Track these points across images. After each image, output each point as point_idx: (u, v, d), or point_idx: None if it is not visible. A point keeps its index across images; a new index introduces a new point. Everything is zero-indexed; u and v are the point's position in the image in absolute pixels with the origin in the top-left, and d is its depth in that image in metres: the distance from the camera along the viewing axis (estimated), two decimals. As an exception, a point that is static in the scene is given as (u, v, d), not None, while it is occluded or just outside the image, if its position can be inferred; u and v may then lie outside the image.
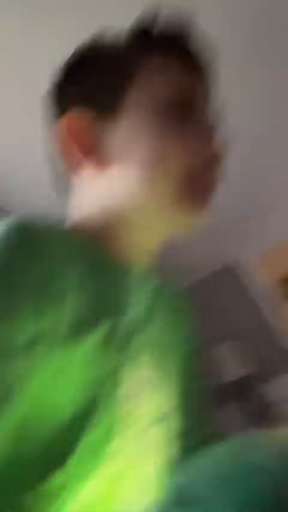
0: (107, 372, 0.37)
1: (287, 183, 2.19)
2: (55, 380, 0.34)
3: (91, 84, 0.46)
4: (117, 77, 0.45)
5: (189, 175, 0.43)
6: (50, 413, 0.33)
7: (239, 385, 2.34)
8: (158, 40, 0.46)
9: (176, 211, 0.44)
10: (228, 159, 0.48)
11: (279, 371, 2.47)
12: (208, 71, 0.49)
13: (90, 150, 0.45)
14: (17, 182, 1.61)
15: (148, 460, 0.40)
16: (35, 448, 0.33)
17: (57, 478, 0.32)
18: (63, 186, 0.50)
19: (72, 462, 0.33)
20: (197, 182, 0.43)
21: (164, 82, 0.44)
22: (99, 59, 0.47)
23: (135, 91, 0.45)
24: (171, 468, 0.41)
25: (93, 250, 0.43)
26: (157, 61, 0.45)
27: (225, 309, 2.78)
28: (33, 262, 0.35)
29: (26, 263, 0.35)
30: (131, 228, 0.45)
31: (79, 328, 0.36)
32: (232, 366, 2.37)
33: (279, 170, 2.07)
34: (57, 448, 0.33)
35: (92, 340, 0.36)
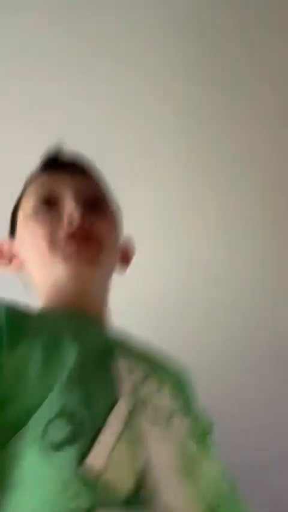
0: None
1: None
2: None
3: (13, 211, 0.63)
4: (15, 206, 0.61)
5: (52, 244, 0.52)
6: None
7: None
8: (43, 166, 0.62)
9: (61, 269, 0.52)
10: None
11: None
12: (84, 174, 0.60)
13: (11, 259, 0.61)
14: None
15: None
16: None
17: None
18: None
19: None
20: (58, 246, 0.52)
21: (31, 193, 0.58)
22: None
23: (20, 212, 0.60)
24: None
25: (71, 314, 0.52)
26: (32, 180, 0.60)
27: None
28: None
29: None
30: (66, 290, 0.54)
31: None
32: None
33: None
34: None
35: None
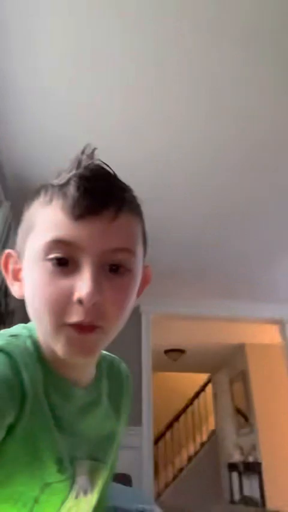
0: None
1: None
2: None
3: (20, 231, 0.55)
4: (26, 224, 0.53)
5: (56, 330, 0.47)
6: None
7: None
8: (71, 203, 0.48)
9: (58, 349, 0.48)
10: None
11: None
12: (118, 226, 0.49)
13: (16, 278, 0.55)
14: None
15: None
16: None
17: None
18: None
19: None
20: (62, 331, 0.47)
21: (45, 229, 0.48)
22: (27, 203, 0.54)
23: (30, 240, 0.51)
24: None
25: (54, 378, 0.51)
26: (48, 211, 0.49)
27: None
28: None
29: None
30: (60, 360, 0.51)
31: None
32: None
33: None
34: None
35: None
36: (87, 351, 0.48)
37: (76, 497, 0.52)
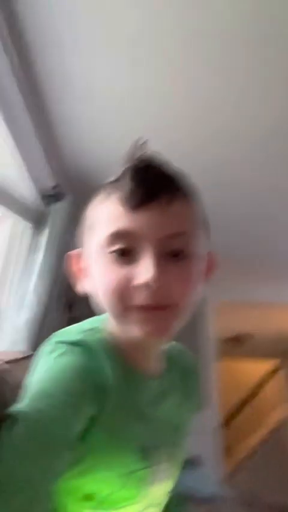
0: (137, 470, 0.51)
1: None
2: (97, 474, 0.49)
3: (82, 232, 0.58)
4: (88, 221, 0.55)
5: (124, 312, 0.48)
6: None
7: None
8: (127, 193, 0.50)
9: (132, 332, 0.50)
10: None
11: None
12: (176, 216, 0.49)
13: (83, 275, 0.57)
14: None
15: None
16: None
17: None
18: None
19: None
20: (131, 313, 0.48)
21: (106, 223, 0.50)
22: (89, 206, 0.57)
23: (93, 237, 0.53)
24: None
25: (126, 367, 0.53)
26: (106, 206, 0.51)
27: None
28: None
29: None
30: (134, 345, 0.54)
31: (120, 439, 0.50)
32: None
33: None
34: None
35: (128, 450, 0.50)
36: (161, 329, 0.48)
37: (154, 483, 0.54)
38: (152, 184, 0.49)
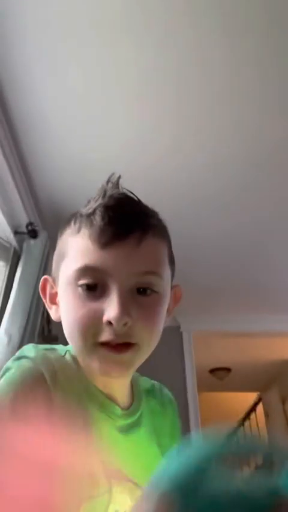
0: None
1: None
2: None
3: (54, 252, 0.58)
4: (60, 251, 0.56)
5: (88, 350, 0.49)
6: None
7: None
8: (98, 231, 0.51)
9: (93, 368, 0.51)
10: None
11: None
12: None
13: (53, 301, 0.58)
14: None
15: None
16: None
17: None
18: None
19: None
20: (94, 351, 0.49)
21: (76, 257, 0.51)
22: (61, 231, 0.57)
23: (62, 268, 0.54)
24: None
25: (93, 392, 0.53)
26: (77, 240, 0.52)
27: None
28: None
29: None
30: (96, 377, 0.53)
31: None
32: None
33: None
34: None
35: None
36: (121, 369, 0.50)
37: None
38: (122, 223, 0.50)
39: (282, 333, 3.55)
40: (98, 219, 0.50)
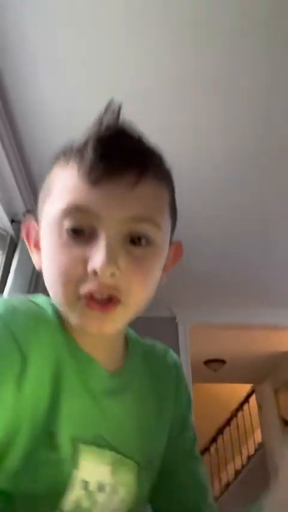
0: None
1: None
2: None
3: (41, 190, 0.51)
4: (46, 186, 0.48)
5: (69, 304, 0.44)
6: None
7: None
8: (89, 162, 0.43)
9: (74, 322, 0.45)
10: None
11: None
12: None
13: (36, 247, 0.51)
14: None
15: None
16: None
17: None
18: None
19: None
20: (75, 305, 0.43)
21: (61, 195, 0.44)
22: (52, 164, 0.50)
23: (46, 207, 0.47)
24: None
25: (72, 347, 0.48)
26: (64, 174, 0.45)
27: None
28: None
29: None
30: (77, 331, 0.48)
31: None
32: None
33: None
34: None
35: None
36: (103, 326, 0.43)
37: (86, 488, 0.44)
38: (118, 158, 0.43)
39: (278, 326, 3.57)
40: (89, 151, 0.42)
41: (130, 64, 1.42)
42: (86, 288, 0.42)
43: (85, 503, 0.44)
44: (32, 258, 0.52)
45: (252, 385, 5.95)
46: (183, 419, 0.61)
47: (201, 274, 2.91)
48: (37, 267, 0.51)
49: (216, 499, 5.61)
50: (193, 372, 3.30)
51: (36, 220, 0.51)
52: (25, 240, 0.53)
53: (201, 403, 5.33)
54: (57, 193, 0.45)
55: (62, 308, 0.46)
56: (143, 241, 0.44)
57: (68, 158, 0.45)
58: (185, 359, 3.28)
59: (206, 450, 5.96)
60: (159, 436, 0.55)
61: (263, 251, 2.67)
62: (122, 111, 0.45)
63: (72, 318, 0.45)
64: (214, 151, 1.82)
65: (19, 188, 1.80)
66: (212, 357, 4.89)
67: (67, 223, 0.43)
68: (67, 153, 0.46)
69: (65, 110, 1.58)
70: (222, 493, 5.68)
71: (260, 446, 5.73)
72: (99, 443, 0.45)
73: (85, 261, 0.42)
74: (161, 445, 0.55)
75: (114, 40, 1.34)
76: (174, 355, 0.63)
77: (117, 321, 0.45)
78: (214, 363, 4.95)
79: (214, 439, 6.11)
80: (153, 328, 3.35)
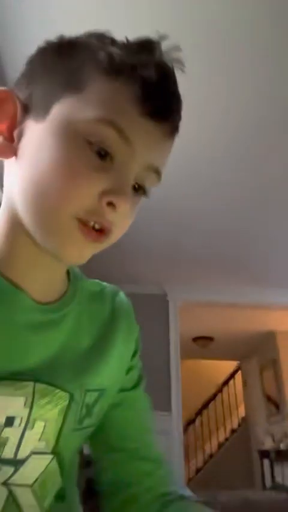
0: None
1: None
2: None
3: (37, 69, 0.42)
4: (63, 77, 0.40)
5: (62, 216, 0.39)
6: None
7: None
8: (135, 69, 0.38)
9: (49, 245, 0.41)
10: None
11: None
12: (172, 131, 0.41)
13: (7, 133, 0.42)
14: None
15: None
16: None
17: None
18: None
19: None
20: (62, 226, 0.39)
21: (101, 104, 0.38)
22: (66, 51, 0.41)
23: (69, 102, 0.39)
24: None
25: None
26: (112, 87, 0.38)
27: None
28: None
29: None
30: (12, 248, 0.43)
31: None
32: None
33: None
34: None
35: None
36: (85, 256, 0.41)
37: (5, 424, 0.40)
38: (173, 102, 0.40)
39: (265, 305, 3.63)
40: (152, 78, 0.38)
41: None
42: (87, 215, 0.39)
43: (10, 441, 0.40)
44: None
45: (238, 362, 6.10)
46: (134, 362, 0.57)
47: (193, 253, 2.92)
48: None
49: (200, 469, 5.84)
50: (182, 349, 3.36)
51: (23, 104, 0.42)
52: None
53: (189, 378, 5.47)
54: (93, 99, 0.38)
55: (39, 226, 0.40)
56: (141, 191, 0.43)
57: (118, 70, 0.39)
58: (175, 335, 3.33)
59: (191, 422, 6.15)
60: (102, 372, 0.50)
61: (255, 232, 2.68)
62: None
63: (54, 239, 0.40)
64: (210, 128, 1.79)
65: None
66: (200, 334, 4.98)
67: (97, 138, 0.38)
68: (115, 61, 0.39)
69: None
70: (205, 463, 5.91)
71: (243, 421, 5.94)
72: (16, 376, 0.41)
73: (99, 187, 0.38)
74: (103, 381, 0.50)
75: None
76: (124, 298, 0.59)
77: (93, 252, 0.42)
78: (202, 340, 5.05)
79: (199, 412, 6.30)
80: (145, 304, 3.39)
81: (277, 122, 1.76)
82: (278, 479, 4.48)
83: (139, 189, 0.43)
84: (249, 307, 3.72)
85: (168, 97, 0.40)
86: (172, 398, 3.09)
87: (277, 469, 4.57)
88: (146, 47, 0.40)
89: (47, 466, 0.43)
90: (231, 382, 6.32)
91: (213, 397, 6.38)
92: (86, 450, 0.57)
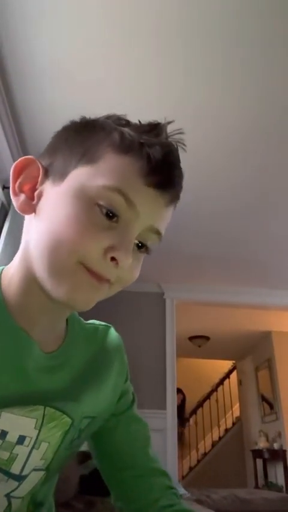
0: None
1: None
2: None
3: (59, 143, 0.49)
4: (81, 152, 0.47)
5: (68, 262, 0.43)
6: None
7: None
8: (146, 148, 0.45)
9: (58, 292, 0.45)
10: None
11: None
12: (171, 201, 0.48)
13: (29, 192, 0.49)
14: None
15: None
16: None
17: None
18: None
19: None
20: (69, 273, 0.44)
21: (112, 174, 0.44)
22: (85, 131, 0.48)
23: (84, 170, 0.45)
24: None
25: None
26: (122, 161, 0.45)
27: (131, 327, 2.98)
28: None
29: None
30: (21, 300, 0.48)
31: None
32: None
33: None
34: None
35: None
36: (92, 298, 0.46)
37: (3, 438, 0.45)
38: (175, 173, 0.47)
39: (261, 305, 3.65)
40: (157, 155, 0.44)
41: (126, 26, 1.36)
42: (91, 263, 0.44)
43: (3, 455, 0.45)
44: (14, 199, 0.49)
45: (234, 361, 6.13)
46: (125, 388, 0.64)
47: (190, 252, 2.93)
48: (17, 209, 0.49)
49: (193, 467, 5.87)
50: (178, 347, 3.37)
51: (44, 170, 0.49)
52: (12, 175, 0.49)
53: (185, 377, 5.49)
54: (106, 170, 0.45)
55: (50, 273, 0.45)
56: (143, 249, 0.49)
57: (128, 146, 0.46)
58: (171, 334, 3.34)
59: (186, 421, 6.18)
60: (99, 401, 0.57)
61: (253, 232, 2.69)
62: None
63: (62, 285, 0.44)
64: (207, 123, 1.79)
65: (11, 154, 1.75)
66: (196, 333, 4.99)
67: (106, 202, 0.44)
68: (126, 139, 0.46)
69: (60, 74, 1.53)
70: (199, 461, 5.93)
71: (238, 420, 5.96)
72: (27, 399, 0.47)
73: (104, 243, 0.43)
74: (98, 409, 0.57)
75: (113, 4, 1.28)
76: (115, 334, 0.65)
77: (100, 297, 0.47)
78: (198, 339, 5.07)
79: (194, 411, 6.32)
80: (142, 303, 3.41)
81: (277, 122, 1.76)
82: (271, 479, 4.51)
83: (142, 247, 0.49)
84: (246, 307, 3.73)
85: (170, 171, 0.46)
86: (167, 397, 3.10)
87: (270, 469, 4.60)
88: (154, 128, 0.47)
89: (39, 480, 0.50)
90: (226, 381, 6.35)
91: (208, 396, 6.41)
92: (82, 447, 0.62)
